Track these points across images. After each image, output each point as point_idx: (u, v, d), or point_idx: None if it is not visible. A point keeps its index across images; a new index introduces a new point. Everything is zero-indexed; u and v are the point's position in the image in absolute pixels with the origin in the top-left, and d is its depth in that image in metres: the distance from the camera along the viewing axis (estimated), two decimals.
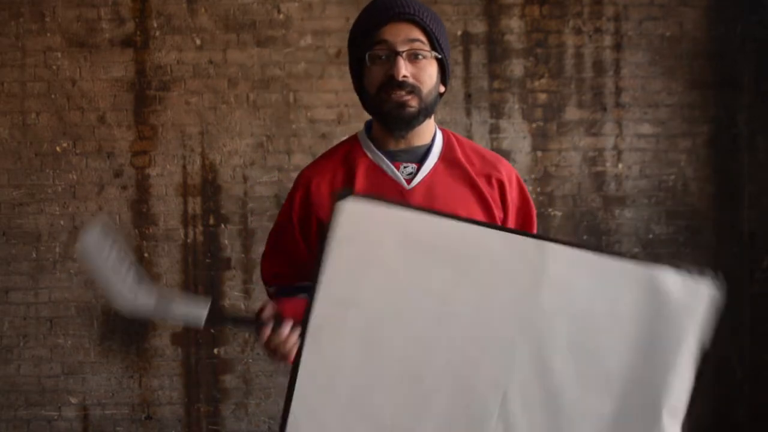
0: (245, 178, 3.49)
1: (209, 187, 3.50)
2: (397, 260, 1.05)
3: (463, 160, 1.38)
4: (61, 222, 3.47)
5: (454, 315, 1.05)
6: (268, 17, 3.50)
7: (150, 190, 3.49)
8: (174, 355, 3.49)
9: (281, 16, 3.50)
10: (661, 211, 3.57)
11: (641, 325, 1.10)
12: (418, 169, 1.35)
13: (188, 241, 3.49)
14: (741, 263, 3.56)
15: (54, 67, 3.47)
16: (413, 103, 1.30)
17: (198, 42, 3.49)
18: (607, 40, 3.56)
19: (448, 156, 1.38)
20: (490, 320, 1.06)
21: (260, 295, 3.47)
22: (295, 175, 3.62)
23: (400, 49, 1.28)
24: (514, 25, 3.54)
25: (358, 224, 1.06)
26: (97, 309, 3.48)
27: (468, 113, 3.53)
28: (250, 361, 3.49)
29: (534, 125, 3.55)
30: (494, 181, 1.37)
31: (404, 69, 1.28)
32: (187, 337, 3.49)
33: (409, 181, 1.34)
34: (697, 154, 3.58)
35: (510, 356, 1.05)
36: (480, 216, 1.33)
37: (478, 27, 3.53)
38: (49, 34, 3.47)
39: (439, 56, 1.33)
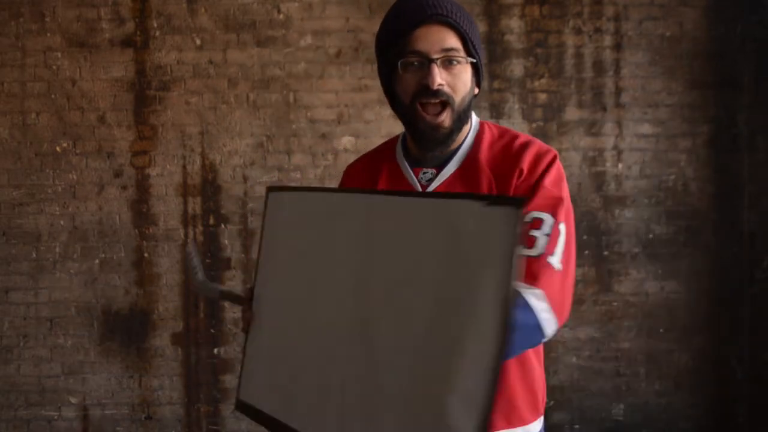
0: (245, 178, 3.49)
1: (209, 187, 3.50)
2: (293, 234, 1.29)
3: (484, 163, 1.29)
4: (61, 222, 3.47)
5: (324, 275, 1.18)
6: (268, 17, 3.50)
7: (150, 190, 3.49)
8: (174, 355, 3.49)
9: (281, 16, 3.50)
10: (661, 211, 3.57)
11: (439, 267, 0.96)
12: (436, 174, 1.31)
13: (188, 241, 3.48)
14: (741, 263, 3.56)
15: (54, 67, 3.47)
16: (447, 122, 1.25)
17: (198, 42, 3.49)
18: (607, 40, 3.56)
19: (470, 160, 1.31)
20: (336, 276, 1.16)
21: None
22: (295, 175, 3.64)
23: (435, 56, 1.22)
24: (514, 25, 3.54)
25: (277, 210, 1.35)
26: (97, 309, 3.48)
27: None
28: None
29: (534, 125, 3.55)
30: (514, 177, 1.26)
31: (439, 77, 1.22)
32: (187, 337, 3.49)
33: (425, 188, 1.31)
34: (697, 154, 3.58)
35: (346, 313, 1.12)
36: None
37: (478, 27, 3.53)
38: (49, 34, 3.47)
39: (475, 61, 1.27)
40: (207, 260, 3.49)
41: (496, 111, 3.54)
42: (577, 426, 3.54)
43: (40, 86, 3.47)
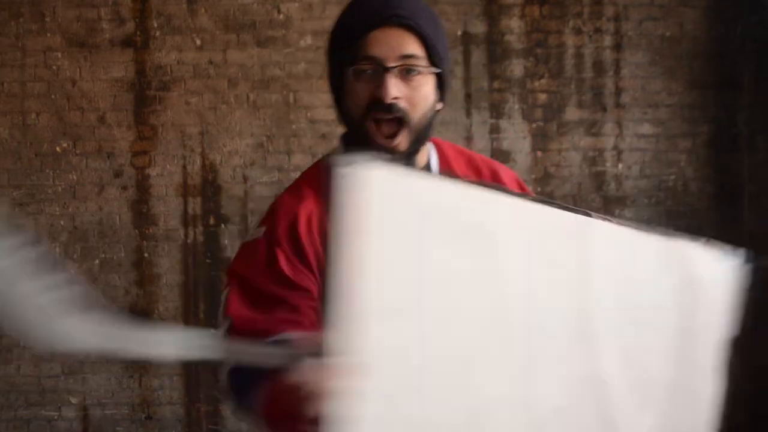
0: (245, 179, 3.49)
1: (209, 188, 3.50)
2: (421, 246, 0.79)
3: (461, 176, 1.18)
4: (61, 222, 3.47)
5: (507, 304, 0.83)
6: (268, 17, 3.50)
7: (150, 191, 3.49)
8: None
9: (281, 16, 3.50)
10: (661, 211, 3.57)
11: (679, 316, 0.93)
12: None
13: (188, 241, 3.49)
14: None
15: (54, 67, 3.47)
16: (403, 145, 1.07)
17: (198, 42, 3.49)
18: (607, 41, 3.56)
19: (446, 173, 1.18)
20: (543, 316, 0.85)
21: None
22: (295, 175, 3.61)
23: (391, 65, 1.04)
24: (514, 26, 3.54)
25: (376, 202, 0.75)
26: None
27: (468, 113, 3.53)
28: None
29: (534, 125, 3.55)
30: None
31: (394, 89, 1.04)
32: None
33: None
34: (697, 154, 3.58)
35: (564, 363, 0.87)
36: None
37: (478, 27, 3.53)
38: (49, 34, 3.47)
39: (439, 71, 1.08)
40: (207, 261, 3.49)
41: (496, 111, 3.54)
42: None
43: (40, 86, 3.47)
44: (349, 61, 1.07)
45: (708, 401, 0.91)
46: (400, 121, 1.06)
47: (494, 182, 1.18)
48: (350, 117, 1.11)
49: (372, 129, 1.07)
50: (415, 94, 1.06)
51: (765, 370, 3.43)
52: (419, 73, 1.06)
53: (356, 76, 1.07)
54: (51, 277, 0.69)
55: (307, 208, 1.14)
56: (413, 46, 1.05)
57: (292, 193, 1.24)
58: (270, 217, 1.19)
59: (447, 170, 1.18)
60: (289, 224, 1.13)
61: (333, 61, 1.14)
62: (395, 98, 1.04)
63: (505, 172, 1.26)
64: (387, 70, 1.04)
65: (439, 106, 1.13)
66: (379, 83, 1.04)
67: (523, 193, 1.07)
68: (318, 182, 1.19)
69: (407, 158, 1.08)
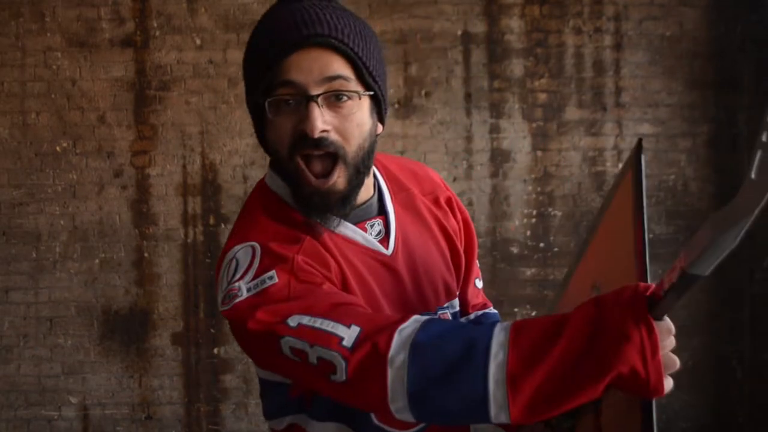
0: (245, 178, 3.49)
1: (209, 187, 3.50)
2: None
3: (412, 192, 1.12)
4: (61, 222, 3.47)
5: None
6: None
7: (150, 190, 3.49)
8: (174, 355, 3.49)
9: None
10: (661, 211, 3.57)
11: None
12: (385, 225, 1.05)
13: (188, 240, 3.49)
14: (741, 262, 3.56)
15: (54, 67, 3.47)
16: (340, 184, 0.94)
17: (198, 42, 3.49)
18: (607, 40, 3.56)
19: (395, 194, 1.10)
20: None
21: None
22: None
23: (314, 92, 0.90)
24: (514, 25, 3.54)
25: None
26: (97, 309, 3.48)
27: (468, 113, 3.53)
28: (250, 360, 3.48)
29: (534, 125, 3.55)
30: (443, 203, 1.15)
31: (320, 121, 0.90)
32: (187, 336, 3.49)
33: (384, 244, 1.04)
34: (697, 154, 3.58)
35: None
36: (450, 264, 1.14)
37: (478, 27, 3.53)
38: (49, 34, 3.47)
39: (373, 93, 0.96)
40: (207, 260, 3.49)
41: (496, 111, 3.54)
42: None
43: (40, 86, 3.47)
44: (265, 92, 0.92)
45: None
46: (333, 156, 0.93)
47: (433, 191, 1.14)
48: (277, 159, 0.97)
49: (302, 169, 0.93)
50: (347, 124, 0.93)
51: (765, 370, 3.43)
52: (349, 98, 0.93)
53: (276, 111, 0.93)
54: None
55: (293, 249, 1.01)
56: (338, 66, 0.92)
57: (245, 238, 1.01)
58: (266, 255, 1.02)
59: (395, 189, 1.10)
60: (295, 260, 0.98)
61: (249, 91, 0.98)
62: (323, 131, 0.91)
63: (440, 181, 1.19)
64: (310, 99, 0.90)
65: (379, 129, 1.01)
66: (303, 116, 0.91)
67: None
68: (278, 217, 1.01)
69: (344, 205, 0.96)
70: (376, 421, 1.00)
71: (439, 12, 3.51)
